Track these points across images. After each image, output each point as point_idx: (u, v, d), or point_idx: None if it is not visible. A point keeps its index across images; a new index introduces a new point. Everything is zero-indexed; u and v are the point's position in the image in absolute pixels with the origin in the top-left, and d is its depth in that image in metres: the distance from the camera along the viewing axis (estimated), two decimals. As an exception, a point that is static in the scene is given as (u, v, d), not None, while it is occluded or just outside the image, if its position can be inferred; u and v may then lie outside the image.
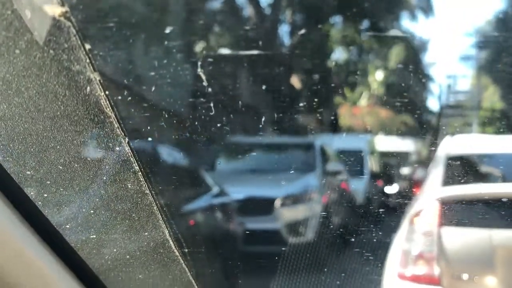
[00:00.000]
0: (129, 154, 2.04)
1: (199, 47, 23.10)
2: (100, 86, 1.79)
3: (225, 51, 23.87)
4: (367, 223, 5.83)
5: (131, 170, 2.09)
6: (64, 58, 1.75)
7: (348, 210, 11.28)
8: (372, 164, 14.98)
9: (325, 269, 6.60)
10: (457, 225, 4.75)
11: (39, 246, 1.13)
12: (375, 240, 5.27)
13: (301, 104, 25.18)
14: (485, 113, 28.70)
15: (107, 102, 1.83)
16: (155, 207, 2.16)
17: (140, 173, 2.08)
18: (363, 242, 5.42)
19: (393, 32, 31.60)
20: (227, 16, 24.35)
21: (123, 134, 1.96)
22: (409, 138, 22.43)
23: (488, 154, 5.78)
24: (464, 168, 5.47)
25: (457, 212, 4.75)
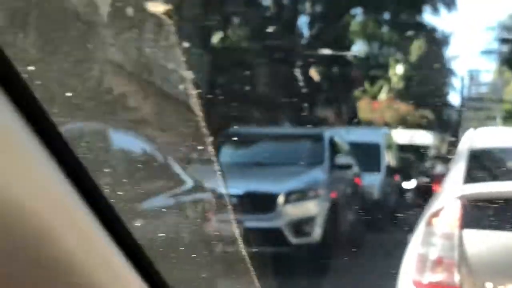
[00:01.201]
0: (211, 153, 2.14)
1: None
2: (192, 85, 1.83)
3: (243, 42, 23.81)
4: (381, 222, 5.41)
5: (211, 169, 2.23)
6: (161, 56, 2.03)
7: (360, 207, 10.81)
8: (389, 158, 14.50)
9: (333, 273, 6.09)
10: (481, 227, 4.41)
11: (112, 244, 1.16)
12: (388, 241, 4.87)
13: (318, 97, 25.02)
14: (508, 106, 28.49)
15: (197, 101, 1.86)
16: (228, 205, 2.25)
17: (219, 173, 2.27)
18: (375, 243, 5.01)
19: (412, 29, 31.40)
20: (246, 7, 24.25)
21: (207, 133, 1.98)
22: (429, 132, 22.21)
23: None
24: (489, 164, 5.08)
25: (480, 213, 4.38)
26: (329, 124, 21.77)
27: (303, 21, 27.65)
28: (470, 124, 10.68)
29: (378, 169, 13.30)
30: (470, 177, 4.75)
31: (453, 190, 4.65)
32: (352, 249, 7.87)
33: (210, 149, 2.11)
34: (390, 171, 13.55)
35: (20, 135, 0.92)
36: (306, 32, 27.57)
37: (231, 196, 7.70)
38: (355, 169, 11.93)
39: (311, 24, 27.61)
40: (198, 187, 6.71)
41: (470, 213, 4.36)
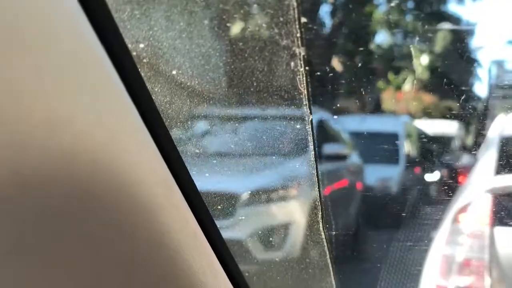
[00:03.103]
0: (309, 132, 2.17)
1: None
2: (302, 62, 1.83)
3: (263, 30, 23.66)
4: (397, 220, 4.93)
5: (306, 154, 2.27)
6: (275, 32, 1.81)
7: (361, 206, 9.76)
8: (409, 149, 13.81)
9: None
10: (515, 225, 3.88)
11: (203, 235, 1.22)
12: (407, 243, 4.40)
13: (340, 87, 24.71)
14: None
15: (304, 78, 1.89)
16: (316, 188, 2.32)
17: (313, 157, 2.26)
18: (388, 247, 4.54)
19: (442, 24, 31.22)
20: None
21: (309, 111, 2.05)
22: (454, 122, 21.72)
23: None
24: (524, 152, 4.61)
25: (514, 208, 3.89)
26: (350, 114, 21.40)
27: (324, 11, 27.33)
28: (497, 113, 10.14)
29: (396, 161, 12.58)
30: (501, 168, 4.31)
31: (483, 182, 4.23)
32: (352, 259, 7.03)
33: (309, 128, 2.16)
34: (411, 162, 12.80)
35: (131, 120, 0.96)
36: (328, 21, 27.24)
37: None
38: (355, 160, 10.70)
39: (333, 13, 27.26)
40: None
41: (502, 209, 3.94)
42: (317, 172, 2.58)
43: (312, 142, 2.18)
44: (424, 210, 4.83)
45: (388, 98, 28.18)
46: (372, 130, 13.01)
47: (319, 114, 9.56)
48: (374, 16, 29.45)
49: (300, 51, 1.79)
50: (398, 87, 29.39)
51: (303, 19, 1.79)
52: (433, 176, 10.56)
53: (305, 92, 1.95)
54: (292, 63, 1.82)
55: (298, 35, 1.77)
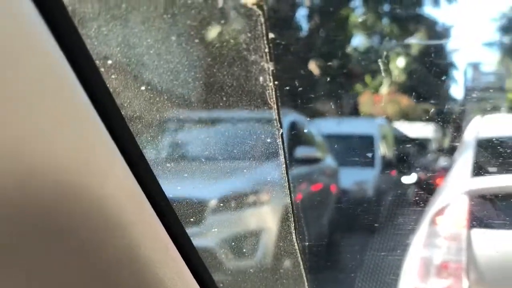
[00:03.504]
0: (280, 146, 2.18)
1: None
2: (271, 77, 1.86)
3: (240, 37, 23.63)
4: (373, 224, 4.89)
5: (277, 162, 2.26)
6: (243, 47, 1.84)
7: (343, 208, 9.55)
8: (386, 152, 13.67)
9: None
10: (492, 227, 3.89)
11: (172, 244, 1.21)
12: (383, 250, 4.37)
13: (318, 91, 24.71)
14: (511, 96, 28.32)
15: (273, 93, 1.92)
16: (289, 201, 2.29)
17: (284, 165, 2.27)
18: (364, 253, 4.51)
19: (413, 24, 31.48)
20: None
21: (278, 126, 2.08)
22: (431, 124, 21.75)
23: None
24: (500, 153, 4.57)
25: (491, 210, 3.87)
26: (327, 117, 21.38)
27: (301, 14, 27.32)
28: (473, 115, 10.10)
29: (372, 164, 12.42)
30: (478, 170, 4.28)
31: (459, 184, 4.20)
32: (327, 264, 6.82)
33: (279, 142, 2.20)
34: (387, 165, 12.64)
35: (98, 134, 0.95)
36: (304, 25, 27.26)
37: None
38: (329, 163, 10.31)
39: (309, 17, 27.28)
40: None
41: (479, 211, 3.90)
42: (288, 179, 2.58)
43: (283, 155, 2.18)
44: (401, 213, 4.80)
45: (365, 101, 28.28)
46: (348, 133, 12.87)
47: (293, 117, 9.38)
48: (351, 20, 29.46)
49: (269, 66, 1.79)
50: (375, 90, 29.46)
51: (271, 35, 1.84)
52: (410, 179, 10.46)
53: (275, 107, 1.96)
54: (261, 78, 1.83)
55: (266, 50, 1.76)
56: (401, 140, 16.21)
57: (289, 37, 23.35)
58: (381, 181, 11.97)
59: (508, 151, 4.70)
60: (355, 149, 11.96)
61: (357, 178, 11.18)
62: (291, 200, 2.39)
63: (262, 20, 1.77)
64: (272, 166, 7.93)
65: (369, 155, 12.19)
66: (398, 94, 29.68)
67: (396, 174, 12.50)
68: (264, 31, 1.77)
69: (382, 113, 25.91)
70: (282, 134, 2.15)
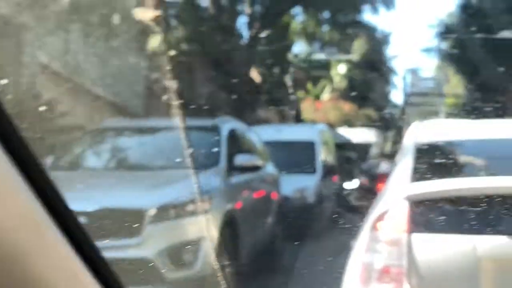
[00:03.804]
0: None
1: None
2: (176, 94, 2.14)
3: (181, 45, 23.37)
4: (315, 230, 4.88)
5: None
6: (144, 65, 2.74)
7: (284, 215, 9.42)
8: (327, 158, 13.60)
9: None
10: (432, 231, 3.94)
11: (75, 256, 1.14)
12: (326, 251, 4.35)
13: (260, 98, 24.67)
14: (451, 100, 28.80)
15: (180, 111, 2.15)
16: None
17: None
18: (307, 256, 4.49)
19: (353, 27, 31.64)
20: (183, 10, 23.77)
21: (188, 143, 2.27)
22: (372, 130, 21.94)
23: (467, 140, 4.92)
24: (439, 159, 4.60)
25: (431, 214, 3.89)
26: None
27: (242, 22, 27.23)
28: (413, 120, 10.14)
29: (313, 170, 12.33)
30: (417, 175, 4.29)
31: (399, 190, 4.19)
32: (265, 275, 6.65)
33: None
34: (329, 171, 12.59)
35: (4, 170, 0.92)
36: (245, 32, 27.18)
37: (81, 213, 5.86)
38: (270, 170, 9.90)
39: (250, 25, 27.22)
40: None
41: (419, 215, 3.90)
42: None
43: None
44: (343, 219, 4.81)
45: (306, 108, 28.33)
46: (289, 140, 12.84)
47: (233, 124, 9.37)
48: (292, 27, 29.32)
49: (171, 83, 1.86)
50: (317, 97, 29.61)
51: (172, 52, 1.81)
52: (351, 184, 10.45)
53: (181, 126, 2.07)
54: (165, 96, 1.95)
55: (168, 68, 1.84)
56: (342, 145, 16.24)
57: (229, 45, 23.00)
58: (323, 187, 11.93)
59: (447, 155, 4.74)
60: (296, 156, 11.91)
61: (298, 185, 11.12)
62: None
63: (162, 37, 1.78)
64: (212, 172, 7.81)
65: (310, 161, 12.12)
66: (339, 100, 30.02)
67: (337, 180, 12.50)
68: (164, 49, 1.82)
69: (323, 119, 26.02)
70: (188, 151, 2.23)
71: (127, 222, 6.32)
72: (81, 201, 6.02)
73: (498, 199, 3.83)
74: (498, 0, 24.75)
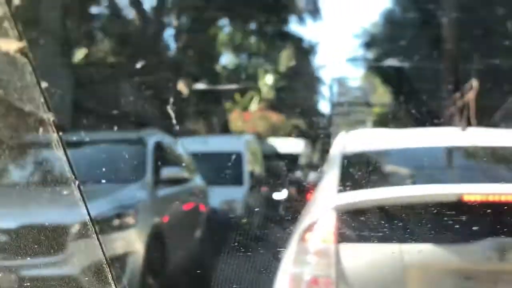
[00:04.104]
0: (78, 197, 2.22)
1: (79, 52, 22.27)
2: (53, 127, 1.78)
3: (108, 57, 23.16)
4: (243, 243, 4.85)
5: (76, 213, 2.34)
6: (16, 98, 1.75)
7: (211, 229, 9.32)
8: (255, 169, 13.58)
9: None
10: (360, 241, 3.92)
11: None
12: (254, 264, 4.32)
13: (187, 110, 24.57)
14: (378, 110, 29.24)
15: (59, 143, 1.87)
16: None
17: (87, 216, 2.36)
18: (236, 270, 4.45)
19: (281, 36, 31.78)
20: (108, 20, 23.54)
21: (73, 177, 2.08)
22: (300, 140, 22.04)
23: (393, 149, 4.97)
24: (365, 169, 4.62)
25: (358, 224, 3.89)
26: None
27: (169, 34, 27.12)
28: (340, 129, 10.19)
29: (240, 181, 12.25)
30: (344, 185, 4.30)
31: (327, 200, 4.19)
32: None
33: (77, 193, 2.21)
34: (257, 182, 12.53)
35: None
36: (172, 44, 27.08)
37: (1, 231, 5.76)
38: (198, 182, 9.86)
39: (177, 37, 27.14)
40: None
41: (346, 226, 3.90)
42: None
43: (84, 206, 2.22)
44: (271, 230, 4.78)
45: (235, 119, 28.26)
46: (216, 151, 12.75)
47: (159, 137, 9.26)
48: (219, 39, 29.20)
49: (49, 116, 1.73)
50: (244, 108, 29.59)
51: (44, 84, 1.68)
52: (280, 195, 10.44)
53: (65, 158, 1.92)
54: (41, 129, 1.77)
55: (42, 100, 1.70)
56: (270, 156, 16.22)
57: (156, 57, 22.77)
58: (251, 199, 11.90)
59: (374, 165, 4.77)
60: (223, 167, 11.82)
61: (226, 197, 11.05)
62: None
63: (30, 68, 1.68)
64: (136, 187, 7.64)
65: (238, 172, 12.05)
66: (267, 110, 30.08)
67: (266, 191, 12.45)
68: (36, 80, 1.69)
69: (252, 130, 26.01)
70: (78, 185, 2.15)
71: (49, 239, 6.11)
72: (0, 217, 5.89)
73: (424, 207, 3.86)
74: (419, 10, 25.22)
